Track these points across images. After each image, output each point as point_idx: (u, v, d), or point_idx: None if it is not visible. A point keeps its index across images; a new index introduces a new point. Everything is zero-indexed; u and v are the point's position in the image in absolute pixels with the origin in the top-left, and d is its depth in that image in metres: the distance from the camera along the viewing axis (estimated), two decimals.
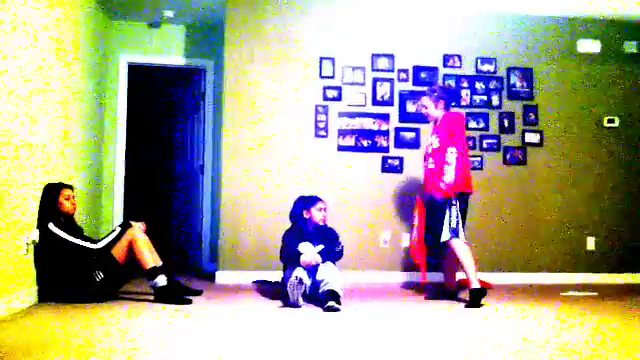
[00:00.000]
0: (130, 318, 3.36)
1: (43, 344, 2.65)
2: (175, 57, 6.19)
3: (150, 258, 3.98)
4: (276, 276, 4.72)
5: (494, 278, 5.37)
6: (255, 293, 4.56)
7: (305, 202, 4.38)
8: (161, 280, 3.95)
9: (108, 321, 3.22)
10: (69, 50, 4.52)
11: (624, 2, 5.48)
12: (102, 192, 5.88)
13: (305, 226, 4.34)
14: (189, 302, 3.93)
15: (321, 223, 4.33)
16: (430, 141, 4.41)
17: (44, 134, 3.96)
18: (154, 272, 3.96)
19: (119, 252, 3.97)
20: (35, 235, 3.78)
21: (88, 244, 3.95)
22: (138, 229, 4.07)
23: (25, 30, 3.57)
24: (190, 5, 5.65)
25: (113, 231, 4.08)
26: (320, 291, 4.01)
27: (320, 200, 4.37)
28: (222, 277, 5.20)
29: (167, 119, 7.54)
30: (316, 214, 4.31)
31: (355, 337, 3.02)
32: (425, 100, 4.46)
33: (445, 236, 4.16)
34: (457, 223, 4.15)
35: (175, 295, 3.98)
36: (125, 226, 4.09)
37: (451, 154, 4.14)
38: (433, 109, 4.42)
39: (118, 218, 5.97)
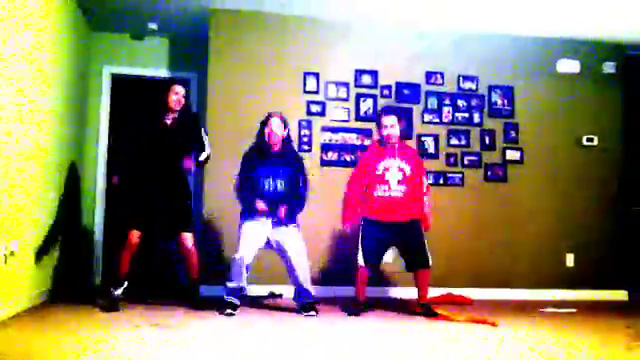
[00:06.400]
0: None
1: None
2: (159, 69, 6.19)
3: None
4: (263, 290, 4.73)
5: (473, 294, 5.41)
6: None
7: (264, 119, 4.30)
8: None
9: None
10: (50, 62, 4.49)
11: (602, 24, 5.61)
12: (83, 205, 5.82)
13: (266, 146, 4.27)
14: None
15: (279, 137, 4.24)
16: (389, 165, 4.30)
17: (22, 146, 3.89)
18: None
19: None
20: (13, 246, 3.71)
21: None
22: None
23: (4, 41, 3.55)
24: (174, 18, 5.67)
25: None
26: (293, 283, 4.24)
27: (274, 115, 4.27)
28: (206, 291, 5.15)
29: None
30: (272, 131, 4.21)
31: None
32: (394, 119, 4.32)
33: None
34: None
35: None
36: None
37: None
38: (398, 130, 4.36)
39: (98, 234, 5.93)
